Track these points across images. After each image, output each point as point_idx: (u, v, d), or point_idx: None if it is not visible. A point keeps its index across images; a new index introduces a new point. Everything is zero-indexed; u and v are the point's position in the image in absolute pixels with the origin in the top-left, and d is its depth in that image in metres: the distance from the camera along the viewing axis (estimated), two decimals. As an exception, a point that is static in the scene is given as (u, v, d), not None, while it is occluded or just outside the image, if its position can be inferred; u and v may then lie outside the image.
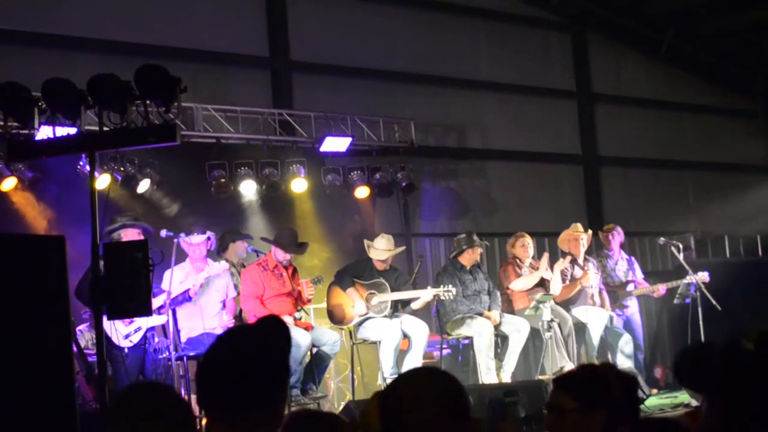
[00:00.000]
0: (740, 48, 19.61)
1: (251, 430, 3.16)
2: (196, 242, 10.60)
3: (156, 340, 10.17)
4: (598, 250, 13.49)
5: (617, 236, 13.19)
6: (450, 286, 11.24)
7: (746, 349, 3.75)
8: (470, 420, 3.18)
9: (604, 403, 4.20)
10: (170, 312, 10.04)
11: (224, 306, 10.79)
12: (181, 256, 10.63)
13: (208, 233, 10.70)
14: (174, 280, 10.12)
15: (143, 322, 9.81)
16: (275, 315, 3.63)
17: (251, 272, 10.85)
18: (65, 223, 10.76)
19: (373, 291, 11.22)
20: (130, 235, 9.87)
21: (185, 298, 10.38)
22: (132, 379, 9.59)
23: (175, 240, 10.03)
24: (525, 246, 12.38)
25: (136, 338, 9.87)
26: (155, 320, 9.92)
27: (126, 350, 9.75)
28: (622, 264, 13.18)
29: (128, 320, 9.71)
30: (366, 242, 11.62)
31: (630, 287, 12.92)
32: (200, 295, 10.52)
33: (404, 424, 3.10)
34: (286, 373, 3.33)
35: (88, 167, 8.02)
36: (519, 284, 12.13)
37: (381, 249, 11.43)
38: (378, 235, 11.63)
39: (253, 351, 3.25)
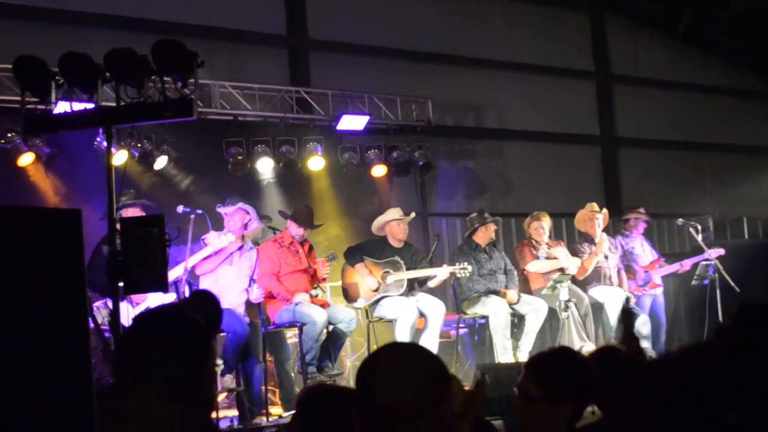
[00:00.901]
0: (758, 29, 19.46)
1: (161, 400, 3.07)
2: (228, 213, 10.56)
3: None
4: (615, 232, 13.43)
5: (644, 223, 13.17)
6: (465, 263, 11.20)
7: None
8: (447, 402, 3.02)
9: (573, 395, 4.04)
10: (187, 285, 9.98)
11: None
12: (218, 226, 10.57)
13: (241, 204, 10.62)
14: (216, 241, 10.14)
15: (150, 302, 9.77)
16: (207, 291, 3.61)
17: (267, 249, 10.82)
18: (81, 198, 10.73)
19: (388, 269, 11.18)
20: (131, 213, 9.85)
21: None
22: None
23: (192, 216, 10.00)
24: (539, 229, 12.32)
25: None
26: (166, 298, 9.87)
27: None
28: (645, 245, 13.15)
29: (136, 301, 9.68)
30: (376, 221, 11.58)
31: (658, 265, 12.88)
32: (219, 271, 10.46)
33: (377, 408, 2.95)
34: (201, 350, 3.23)
35: (105, 143, 7.99)
36: (535, 266, 12.09)
37: (393, 217, 11.44)
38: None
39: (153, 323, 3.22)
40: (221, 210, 10.54)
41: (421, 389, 2.89)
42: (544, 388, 4.02)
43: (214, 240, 10.27)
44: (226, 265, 10.46)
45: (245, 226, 10.60)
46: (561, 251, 12.29)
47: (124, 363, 3.16)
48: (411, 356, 3.07)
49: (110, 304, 9.09)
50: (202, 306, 3.49)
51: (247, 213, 10.61)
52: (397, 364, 3.02)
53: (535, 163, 17.31)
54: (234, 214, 10.54)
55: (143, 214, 9.87)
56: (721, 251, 12.38)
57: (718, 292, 12.12)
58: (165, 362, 3.05)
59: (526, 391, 4.06)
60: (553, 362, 4.21)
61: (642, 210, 13.26)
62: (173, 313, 3.32)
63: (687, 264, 12.84)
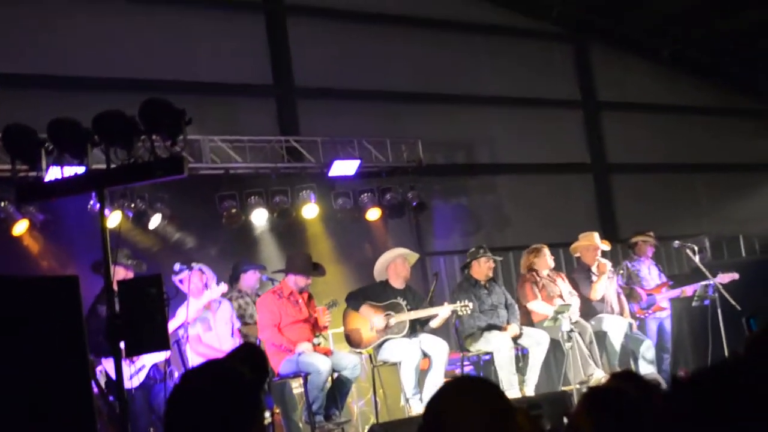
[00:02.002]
0: (741, 48, 19.60)
1: None
2: (182, 279, 10.49)
3: (175, 374, 10.12)
4: (617, 257, 13.46)
5: (653, 247, 13.22)
6: (466, 300, 11.20)
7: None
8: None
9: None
10: (176, 346, 9.95)
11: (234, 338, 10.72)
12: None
13: (194, 266, 10.56)
14: (193, 312, 10.15)
15: (147, 360, 9.76)
16: (251, 344, 3.63)
17: (266, 300, 10.80)
18: (77, 261, 10.75)
19: (389, 312, 11.16)
20: (117, 272, 9.84)
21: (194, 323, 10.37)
22: (143, 418, 9.54)
23: (188, 273, 10.01)
24: (543, 257, 12.35)
25: (141, 377, 9.84)
26: (158, 356, 9.84)
27: (132, 390, 9.68)
28: (653, 269, 13.17)
29: (131, 360, 9.65)
30: (379, 262, 11.58)
31: (665, 290, 12.89)
32: (206, 332, 10.46)
33: None
34: (249, 406, 3.25)
35: (98, 205, 8.01)
36: (538, 306, 12.06)
37: (399, 253, 11.46)
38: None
39: (207, 389, 3.21)
40: (175, 278, 10.45)
41: (490, 424, 2.93)
42: (597, 426, 3.94)
43: (209, 292, 10.28)
44: (205, 332, 10.46)
45: (206, 286, 10.54)
46: (562, 284, 12.31)
47: (174, 427, 3.17)
48: (477, 391, 3.12)
49: (106, 366, 9.15)
50: (248, 359, 3.49)
51: (203, 272, 10.57)
52: (465, 399, 3.07)
53: (529, 195, 17.35)
54: (191, 276, 10.45)
55: (129, 274, 9.88)
56: (735, 276, 12.40)
57: (719, 312, 12.10)
58: (215, 424, 3.08)
59: (577, 427, 4.04)
60: (611, 398, 4.07)
61: (651, 234, 13.32)
62: (219, 371, 3.34)
63: (689, 290, 12.84)
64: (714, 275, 12.44)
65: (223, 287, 10.43)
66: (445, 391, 3.23)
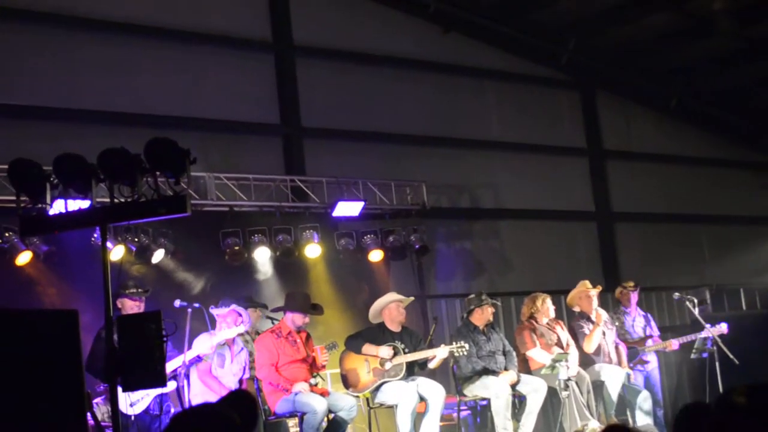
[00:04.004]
0: (746, 101, 19.73)
1: None
2: (221, 314, 10.65)
3: (171, 410, 10.16)
4: (614, 307, 13.46)
5: (636, 294, 13.20)
6: (462, 342, 11.23)
7: (738, 403, 3.71)
8: None
9: None
10: (185, 379, 10.03)
11: (240, 384, 10.76)
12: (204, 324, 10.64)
13: (234, 306, 10.72)
14: (203, 345, 10.19)
15: (150, 390, 9.81)
16: (242, 390, 3.71)
17: (265, 340, 10.85)
18: (80, 294, 10.79)
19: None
20: (128, 305, 10.03)
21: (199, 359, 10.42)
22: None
23: (189, 310, 10.06)
24: (544, 305, 12.36)
25: (142, 406, 9.91)
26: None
27: (132, 417, 9.76)
28: (639, 320, 13.17)
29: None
30: (374, 306, 11.62)
31: (649, 343, 12.88)
32: (219, 368, 10.52)
33: None
34: None
35: (101, 239, 8.07)
36: (535, 354, 12.06)
37: (392, 299, 11.49)
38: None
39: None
40: (215, 311, 10.63)
41: None
42: None
43: (204, 343, 10.33)
44: (217, 367, 10.51)
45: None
46: (561, 332, 12.33)
47: None
48: None
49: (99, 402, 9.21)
50: (239, 405, 3.55)
51: (239, 315, 10.70)
52: None
53: (533, 241, 17.38)
54: (227, 315, 10.65)
55: (141, 306, 10.00)
56: (725, 329, 12.39)
57: (717, 365, 12.09)
58: None
59: None
60: None
61: (630, 283, 13.31)
62: (211, 415, 3.39)
63: (675, 344, 12.83)
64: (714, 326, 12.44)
65: (238, 329, 10.52)
66: None
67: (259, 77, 15.03)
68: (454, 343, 11.28)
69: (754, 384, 3.96)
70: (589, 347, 12.30)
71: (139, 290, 10.45)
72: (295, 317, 10.91)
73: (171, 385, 10.05)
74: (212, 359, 10.50)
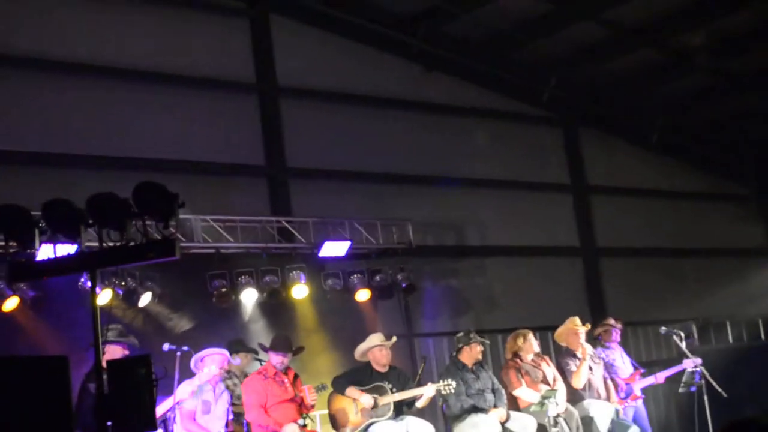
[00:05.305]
0: (726, 134, 19.90)
1: None
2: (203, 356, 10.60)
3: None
4: (596, 344, 13.47)
5: (619, 330, 13.24)
6: (449, 379, 11.24)
7: None
8: None
9: None
10: (162, 425, 9.95)
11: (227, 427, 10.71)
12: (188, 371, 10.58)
13: (209, 351, 10.65)
14: (182, 391, 10.15)
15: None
16: None
17: (252, 382, 10.83)
18: (69, 338, 10.76)
19: (374, 395, 11.18)
20: (112, 350, 9.89)
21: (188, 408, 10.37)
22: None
23: (178, 353, 10.04)
24: (528, 342, 12.36)
25: None
26: None
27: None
28: (624, 357, 13.20)
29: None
30: (358, 349, 11.62)
31: (638, 378, 12.90)
32: (204, 414, 10.46)
33: None
34: None
35: (89, 283, 8.07)
36: (523, 393, 12.06)
37: (375, 343, 11.49)
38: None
39: None
40: (197, 356, 10.54)
41: None
42: None
43: (184, 389, 10.27)
44: (202, 414, 10.46)
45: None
46: (547, 368, 12.34)
47: None
48: None
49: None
50: None
51: (225, 358, 10.69)
52: None
53: (519, 278, 17.43)
54: (208, 360, 10.56)
55: (126, 352, 9.94)
56: (698, 360, 12.43)
57: (705, 398, 12.12)
58: None
59: None
60: None
61: (611, 321, 13.34)
62: None
63: (661, 377, 12.88)
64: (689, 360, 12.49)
65: (213, 371, 10.43)
66: None
67: (244, 119, 15.09)
68: (441, 381, 11.30)
69: (738, 420, 3.99)
70: (578, 383, 12.30)
71: (125, 339, 10.38)
72: (276, 357, 10.91)
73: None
74: (197, 406, 10.42)
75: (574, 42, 17.08)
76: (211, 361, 10.48)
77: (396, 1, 16.07)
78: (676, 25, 16.50)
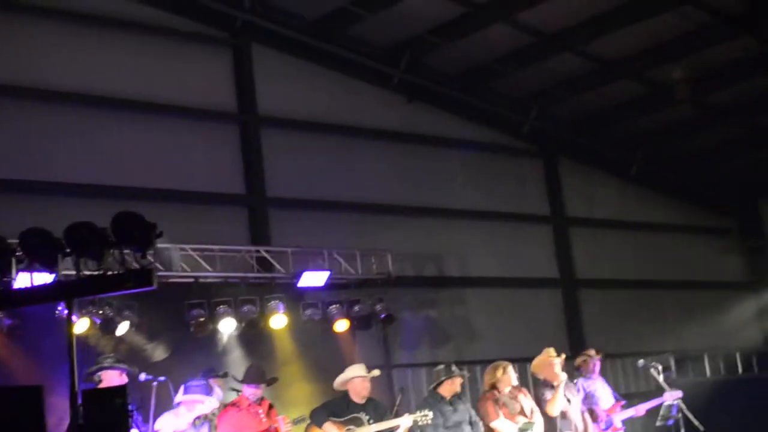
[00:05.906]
0: (705, 166, 20.00)
1: None
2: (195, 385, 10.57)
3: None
4: (576, 375, 13.46)
5: (599, 361, 13.23)
6: (426, 410, 11.21)
7: None
8: None
9: None
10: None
11: None
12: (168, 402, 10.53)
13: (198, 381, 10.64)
14: (167, 425, 10.08)
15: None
16: None
17: (227, 415, 10.77)
18: (45, 367, 10.69)
19: (350, 427, 11.14)
20: (110, 376, 9.88)
21: None
22: None
23: (154, 383, 9.99)
24: (506, 374, 12.32)
25: None
26: None
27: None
28: (606, 387, 13.19)
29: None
30: (339, 378, 11.58)
31: (617, 410, 12.90)
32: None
33: None
34: None
35: (66, 312, 8.04)
36: (500, 425, 12.02)
37: (357, 374, 11.46)
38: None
39: None
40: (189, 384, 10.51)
41: None
42: None
43: (169, 422, 10.21)
44: None
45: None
46: (525, 400, 12.29)
47: None
48: None
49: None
50: None
51: (212, 388, 10.68)
52: None
53: (498, 309, 17.44)
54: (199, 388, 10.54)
55: (124, 377, 9.90)
56: (679, 393, 12.43)
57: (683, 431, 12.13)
58: None
59: None
60: None
61: (591, 351, 13.34)
62: None
63: (641, 409, 12.88)
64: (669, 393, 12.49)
65: (214, 402, 10.42)
66: None
67: (224, 148, 15.10)
68: (418, 411, 11.27)
69: None
70: (552, 410, 12.18)
71: (121, 364, 10.33)
72: (249, 389, 10.88)
73: None
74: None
75: (555, 74, 17.18)
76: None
77: (377, 31, 16.14)
78: (657, 57, 16.61)
